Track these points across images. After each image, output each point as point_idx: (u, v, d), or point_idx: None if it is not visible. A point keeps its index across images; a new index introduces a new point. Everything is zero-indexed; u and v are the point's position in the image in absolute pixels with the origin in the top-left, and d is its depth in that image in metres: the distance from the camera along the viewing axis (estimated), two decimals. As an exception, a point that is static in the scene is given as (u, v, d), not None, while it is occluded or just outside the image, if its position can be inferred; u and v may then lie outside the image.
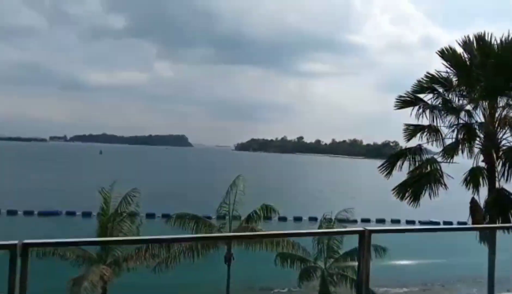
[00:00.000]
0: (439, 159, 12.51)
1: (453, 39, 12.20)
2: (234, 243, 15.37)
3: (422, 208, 13.36)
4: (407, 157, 12.17)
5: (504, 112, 11.72)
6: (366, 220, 50.93)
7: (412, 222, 49.67)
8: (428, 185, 11.68)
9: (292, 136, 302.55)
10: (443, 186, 11.71)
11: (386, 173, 12.30)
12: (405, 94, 12.33)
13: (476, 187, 11.86)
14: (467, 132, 11.65)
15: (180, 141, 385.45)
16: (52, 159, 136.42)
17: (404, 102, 12.42)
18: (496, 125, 11.73)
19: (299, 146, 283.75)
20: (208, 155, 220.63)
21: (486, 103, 11.78)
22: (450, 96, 12.26)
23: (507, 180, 11.08)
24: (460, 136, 11.81)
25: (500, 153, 11.56)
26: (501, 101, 11.78)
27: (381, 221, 49.87)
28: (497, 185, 11.43)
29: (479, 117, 11.94)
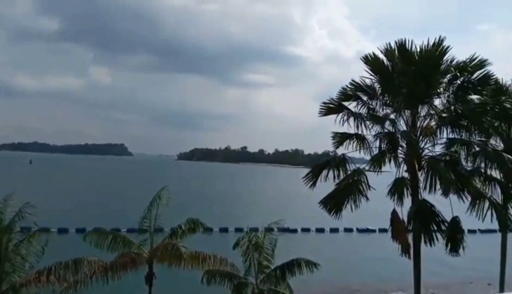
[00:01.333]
0: (367, 169, 12.28)
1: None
2: (156, 261, 14.15)
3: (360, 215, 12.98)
4: (332, 167, 11.76)
5: (426, 121, 11.69)
6: (306, 230, 51.60)
7: (350, 230, 51.28)
8: (351, 197, 11.33)
9: (236, 146, 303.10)
10: (365, 197, 11.43)
11: (310, 184, 11.81)
12: (329, 100, 11.98)
13: (400, 198, 11.73)
14: (390, 142, 11.45)
15: (119, 150, 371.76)
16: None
17: (328, 109, 12.06)
18: (418, 134, 11.68)
19: (243, 156, 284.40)
20: (147, 165, 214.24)
21: (409, 112, 11.71)
22: (374, 104, 12.06)
23: (430, 191, 10.99)
24: (383, 146, 11.60)
25: (423, 162, 11.48)
26: (422, 110, 11.76)
27: (320, 230, 50.69)
28: (420, 196, 11.32)
29: (402, 126, 11.83)
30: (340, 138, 12.40)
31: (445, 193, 10.43)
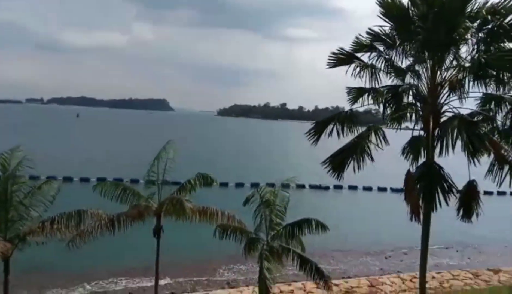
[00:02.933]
0: (384, 126, 11.22)
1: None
2: (164, 215, 14.12)
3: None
4: (338, 123, 10.75)
5: (450, 73, 10.26)
6: (338, 187, 51.06)
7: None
8: (361, 156, 10.35)
9: (275, 103, 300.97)
10: (371, 159, 10.42)
11: (313, 140, 10.92)
12: (338, 50, 10.75)
13: (416, 158, 10.69)
14: (397, 96, 10.10)
15: (161, 105, 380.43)
16: (24, 122, 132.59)
17: (338, 60, 10.80)
18: (439, 87, 10.33)
19: (282, 113, 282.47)
20: (185, 120, 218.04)
21: (429, 63, 10.31)
22: (391, 54, 10.73)
23: (440, 152, 9.83)
24: (397, 101, 10.34)
25: (441, 121, 10.24)
26: (446, 60, 10.26)
27: (338, 187, 50.12)
28: (430, 157, 10.19)
29: (422, 78, 10.47)
30: (357, 93, 11.27)
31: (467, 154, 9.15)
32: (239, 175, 50.79)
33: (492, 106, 10.20)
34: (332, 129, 10.74)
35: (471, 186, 10.08)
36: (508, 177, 9.50)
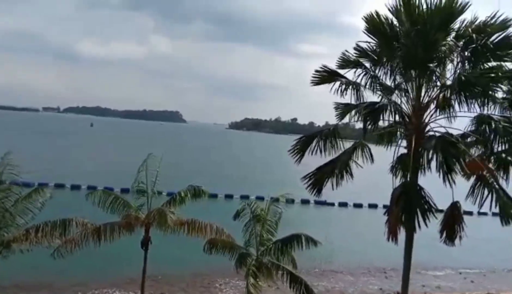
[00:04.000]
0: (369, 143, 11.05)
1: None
2: (153, 226, 14.05)
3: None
4: (320, 140, 10.57)
5: (435, 92, 10.08)
6: (343, 204, 50.53)
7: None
8: (343, 173, 10.17)
9: (286, 117, 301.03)
10: (349, 176, 10.22)
11: (297, 157, 10.74)
12: (322, 68, 10.65)
13: (405, 176, 10.46)
14: (372, 114, 9.88)
15: (174, 117, 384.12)
16: (39, 130, 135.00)
17: (321, 78, 10.70)
18: (423, 107, 10.14)
19: (293, 127, 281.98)
20: (195, 133, 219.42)
21: (413, 83, 10.13)
22: (378, 71, 10.61)
23: (420, 171, 9.58)
24: (386, 118, 10.13)
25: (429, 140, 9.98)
26: (425, 79, 10.06)
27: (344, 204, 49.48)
28: (411, 176, 9.95)
29: (408, 96, 10.30)
30: (344, 109, 11.16)
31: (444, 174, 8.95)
32: (237, 187, 50.47)
33: (477, 125, 9.91)
34: (315, 146, 10.57)
35: (455, 208, 9.80)
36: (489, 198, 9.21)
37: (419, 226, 9.72)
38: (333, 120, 11.65)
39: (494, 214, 9.64)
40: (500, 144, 9.56)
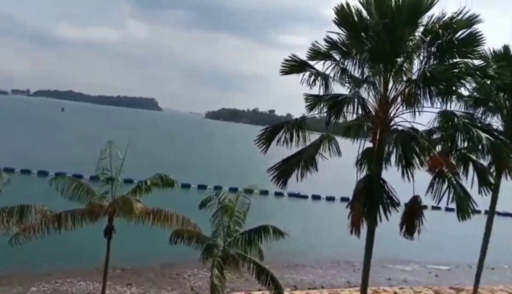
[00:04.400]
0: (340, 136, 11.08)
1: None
2: (118, 215, 13.70)
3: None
4: (287, 131, 10.51)
5: (401, 87, 10.15)
6: (316, 197, 51.11)
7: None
8: (303, 165, 10.16)
9: (264, 108, 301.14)
10: (314, 168, 10.23)
11: (263, 148, 10.65)
12: (291, 57, 10.55)
13: (371, 169, 10.52)
14: (340, 107, 9.86)
15: (149, 104, 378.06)
16: (6, 114, 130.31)
17: (290, 67, 10.62)
18: (389, 101, 10.20)
19: (271, 119, 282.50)
20: (170, 121, 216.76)
21: (380, 77, 10.18)
22: (347, 63, 10.59)
23: (382, 164, 9.66)
24: (351, 111, 10.14)
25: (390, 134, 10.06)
26: (391, 73, 10.11)
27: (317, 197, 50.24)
28: (374, 170, 10.03)
29: (379, 90, 10.32)
30: (313, 101, 11.07)
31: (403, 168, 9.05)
32: (209, 178, 50.06)
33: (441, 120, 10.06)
34: (281, 137, 10.49)
35: (415, 202, 9.94)
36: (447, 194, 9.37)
37: (381, 220, 9.81)
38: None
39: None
40: (461, 141, 9.71)
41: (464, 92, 11.59)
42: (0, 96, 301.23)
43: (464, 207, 9.01)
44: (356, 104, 9.54)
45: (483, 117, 14.43)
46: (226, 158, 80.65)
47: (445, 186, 9.34)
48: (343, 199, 50.65)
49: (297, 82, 10.68)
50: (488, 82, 13.67)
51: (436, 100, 9.77)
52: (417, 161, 8.81)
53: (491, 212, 16.30)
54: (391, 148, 8.99)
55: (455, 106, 12.51)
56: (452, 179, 9.27)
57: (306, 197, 50.81)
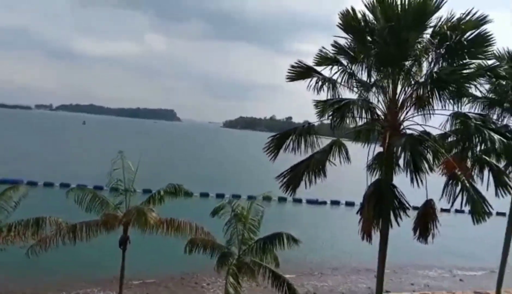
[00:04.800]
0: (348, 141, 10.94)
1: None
2: (132, 225, 13.83)
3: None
4: (295, 137, 10.40)
5: (410, 90, 9.96)
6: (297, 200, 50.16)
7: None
8: (311, 172, 10.02)
9: (281, 116, 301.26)
10: (322, 174, 10.07)
11: (271, 155, 10.56)
12: (297, 63, 10.46)
13: (382, 175, 10.33)
14: (343, 112, 9.72)
15: (168, 116, 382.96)
16: (29, 128, 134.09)
17: (297, 74, 10.50)
18: (398, 104, 10.02)
19: (288, 126, 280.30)
20: (189, 131, 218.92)
21: (388, 81, 10.03)
22: (355, 68, 10.45)
23: (391, 169, 9.46)
24: (358, 116, 10.01)
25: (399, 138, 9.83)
26: (400, 77, 9.93)
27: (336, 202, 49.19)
28: (385, 174, 9.83)
29: (386, 94, 10.17)
30: (323, 107, 10.98)
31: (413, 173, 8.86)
32: (225, 186, 50.13)
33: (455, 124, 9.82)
34: (289, 144, 10.41)
35: (428, 206, 9.70)
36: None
37: (391, 225, 9.61)
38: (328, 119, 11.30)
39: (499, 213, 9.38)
40: (474, 143, 9.47)
41: (478, 93, 11.33)
42: (24, 111, 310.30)
43: (478, 210, 8.75)
44: (360, 108, 9.40)
45: (500, 119, 14.07)
46: (242, 165, 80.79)
47: (459, 189, 9.10)
48: (349, 203, 50.36)
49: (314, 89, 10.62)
50: (504, 82, 13.38)
51: (447, 102, 9.55)
52: (426, 166, 8.59)
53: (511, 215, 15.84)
54: (399, 152, 8.81)
55: (470, 107, 12.30)
56: (465, 181, 9.02)
57: (324, 203, 50.35)
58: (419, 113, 9.92)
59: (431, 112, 9.86)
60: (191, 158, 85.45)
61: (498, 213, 34.41)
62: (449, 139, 11.45)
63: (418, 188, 9.87)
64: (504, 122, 14.07)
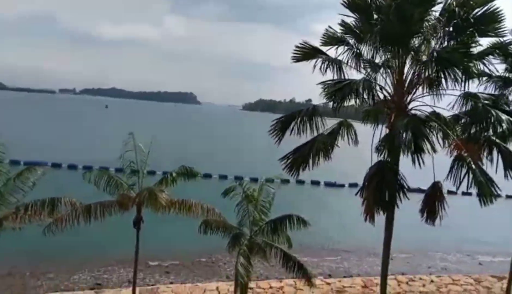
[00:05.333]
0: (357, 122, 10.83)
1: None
2: (144, 206, 14.14)
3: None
4: (300, 120, 10.31)
5: (416, 69, 9.68)
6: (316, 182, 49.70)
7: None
8: (314, 153, 9.94)
9: (300, 98, 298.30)
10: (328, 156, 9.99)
11: (277, 138, 10.49)
12: (302, 44, 10.30)
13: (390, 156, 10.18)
14: (343, 93, 9.58)
15: (188, 99, 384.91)
16: (53, 111, 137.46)
17: (303, 54, 10.33)
18: (405, 85, 9.78)
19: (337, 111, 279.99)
20: (210, 114, 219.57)
21: (395, 60, 9.76)
22: (362, 48, 10.22)
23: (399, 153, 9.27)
24: (362, 96, 9.82)
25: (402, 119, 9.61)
26: (406, 56, 9.66)
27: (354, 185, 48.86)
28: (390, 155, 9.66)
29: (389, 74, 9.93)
30: (326, 88, 10.78)
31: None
32: (239, 168, 50.23)
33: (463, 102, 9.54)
34: (293, 127, 10.34)
35: (436, 188, 9.55)
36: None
37: (393, 207, 9.52)
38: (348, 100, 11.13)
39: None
40: (483, 124, 9.21)
41: (496, 72, 10.96)
42: (49, 95, 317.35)
43: (485, 192, 8.57)
44: (362, 88, 9.23)
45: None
46: (261, 149, 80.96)
47: (464, 171, 8.91)
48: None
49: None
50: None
51: (455, 82, 9.26)
52: (428, 147, 8.40)
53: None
54: (401, 133, 8.66)
55: (485, 88, 11.93)
56: (472, 163, 8.81)
57: (343, 185, 50.07)
58: (428, 93, 9.67)
59: (441, 92, 9.61)
60: (208, 140, 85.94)
61: (508, 196, 33.58)
62: (463, 121, 11.18)
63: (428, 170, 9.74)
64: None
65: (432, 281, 21.60)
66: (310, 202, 39.12)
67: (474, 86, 9.62)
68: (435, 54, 8.98)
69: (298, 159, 10.15)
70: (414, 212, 10.01)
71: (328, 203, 41.83)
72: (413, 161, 8.62)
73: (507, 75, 12.27)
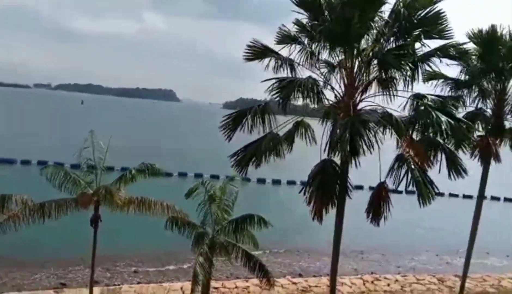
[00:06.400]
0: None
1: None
2: (103, 203, 13.87)
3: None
4: (250, 117, 10.27)
5: (363, 70, 9.77)
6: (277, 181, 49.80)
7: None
8: (263, 151, 9.96)
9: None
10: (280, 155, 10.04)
11: (227, 135, 10.42)
12: (253, 43, 10.18)
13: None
14: (287, 91, 9.57)
15: (168, 96, 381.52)
16: (24, 107, 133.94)
17: (254, 53, 10.28)
18: (355, 85, 9.89)
19: (289, 108, 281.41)
20: (188, 113, 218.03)
21: (345, 61, 9.86)
22: (314, 47, 10.25)
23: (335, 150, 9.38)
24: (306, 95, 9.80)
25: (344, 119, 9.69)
26: (356, 57, 9.77)
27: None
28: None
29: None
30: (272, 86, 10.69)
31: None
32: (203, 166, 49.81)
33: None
34: (244, 123, 10.30)
35: (381, 188, 9.69)
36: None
37: (333, 205, 9.63)
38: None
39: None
40: (422, 124, 9.42)
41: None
42: (23, 90, 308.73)
43: (423, 192, 8.75)
44: (305, 86, 9.25)
45: (475, 101, 13.95)
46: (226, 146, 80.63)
47: (404, 171, 9.08)
48: (357, 187, 49.79)
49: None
50: (478, 64, 13.22)
51: (399, 83, 9.42)
52: (364, 147, 8.48)
53: (480, 197, 16.01)
54: (340, 132, 8.74)
55: (441, 90, 12.19)
56: (411, 163, 8.97)
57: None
58: (380, 94, 9.79)
59: (392, 93, 9.74)
60: (179, 138, 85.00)
61: (451, 194, 34.51)
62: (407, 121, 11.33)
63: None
64: (479, 105, 13.96)
65: (397, 280, 21.97)
66: (279, 201, 39.21)
67: (431, 88, 9.84)
68: (370, 55, 9.09)
69: (246, 157, 10.11)
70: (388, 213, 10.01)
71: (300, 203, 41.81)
72: (349, 161, 8.71)
73: (462, 77, 12.62)
